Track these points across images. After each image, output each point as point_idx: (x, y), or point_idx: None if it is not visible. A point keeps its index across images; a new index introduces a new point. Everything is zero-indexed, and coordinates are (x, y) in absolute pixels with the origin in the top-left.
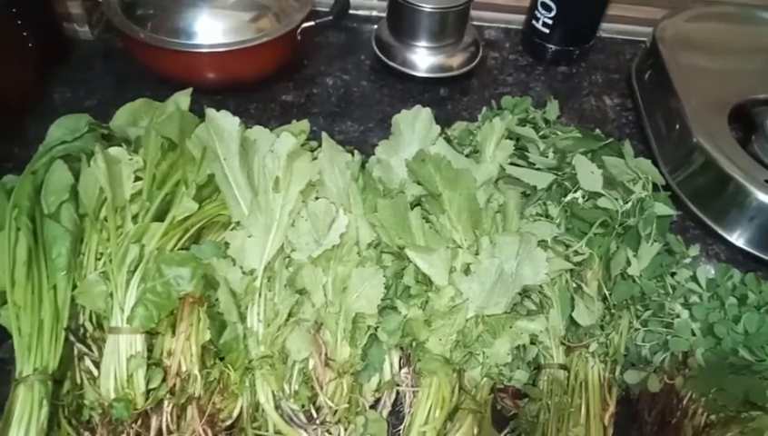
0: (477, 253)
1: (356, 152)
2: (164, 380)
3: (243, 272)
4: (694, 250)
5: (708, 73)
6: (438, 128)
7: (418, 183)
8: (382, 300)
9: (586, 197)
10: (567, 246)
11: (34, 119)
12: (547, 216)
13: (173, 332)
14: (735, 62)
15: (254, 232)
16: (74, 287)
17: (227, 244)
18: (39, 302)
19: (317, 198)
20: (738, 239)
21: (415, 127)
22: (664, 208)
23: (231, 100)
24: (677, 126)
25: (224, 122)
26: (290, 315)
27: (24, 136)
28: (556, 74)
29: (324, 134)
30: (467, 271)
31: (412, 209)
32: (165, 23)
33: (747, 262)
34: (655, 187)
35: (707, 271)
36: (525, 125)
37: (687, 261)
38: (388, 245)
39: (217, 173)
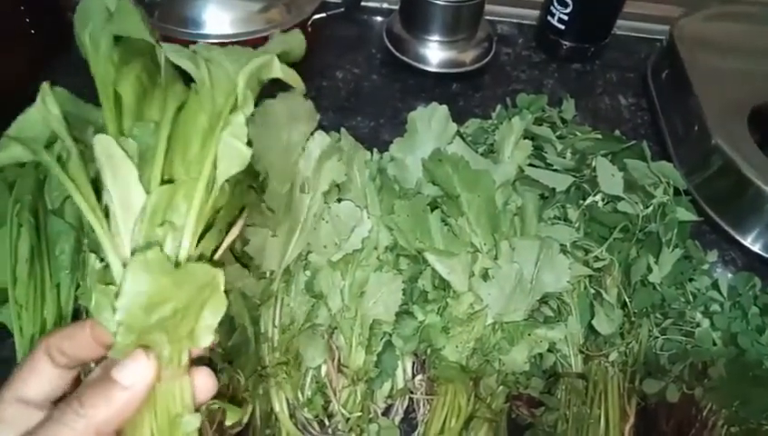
0: (496, 258)
1: (374, 151)
2: None
3: (256, 275)
4: (713, 255)
5: (727, 73)
6: (454, 126)
7: (434, 184)
8: (398, 305)
9: (606, 201)
10: (587, 251)
11: None
12: (566, 220)
13: None
14: (755, 62)
15: (278, 231)
16: (78, 286)
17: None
18: (42, 302)
19: (339, 199)
20: (756, 245)
21: (431, 125)
22: (685, 213)
23: None
24: (695, 127)
25: None
26: (305, 320)
27: None
28: (569, 72)
29: (343, 130)
30: (485, 276)
31: (432, 211)
32: (172, 12)
33: (765, 269)
34: (675, 191)
35: (726, 277)
36: (541, 124)
37: (705, 267)
38: (405, 248)
39: None
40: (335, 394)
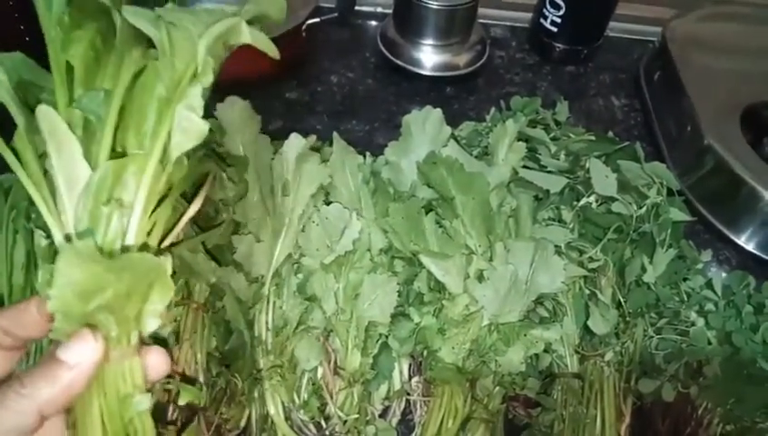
0: (491, 259)
1: (367, 154)
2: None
3: (249, 280)
4: (706, 255)
5: (719, 74)
6: (449, 129)
7: (429, 186)
8: (393, 307)
9: (600, 202)
10: (581, 252)
11: None
12: (560, 221)
13: (177, 339)
14: (747, 63)
15: (263, 236)
16: None
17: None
18: None
19: (328, 202)
20: (749, 244)
21: (425, 128)
22: (679, 213)
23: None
24: (688, 128)
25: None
26: (298, 323)
27: None
28: (563, 74)
29: (335, 135)
30: (480, 277)
31: (426, 214)
32: None
33: (758, 268)
34: (669, 191)
35: (720, 277)
36: (535, 127)
37: (699, 266)
38: (400, 251)
39: None
40: (331, 397)
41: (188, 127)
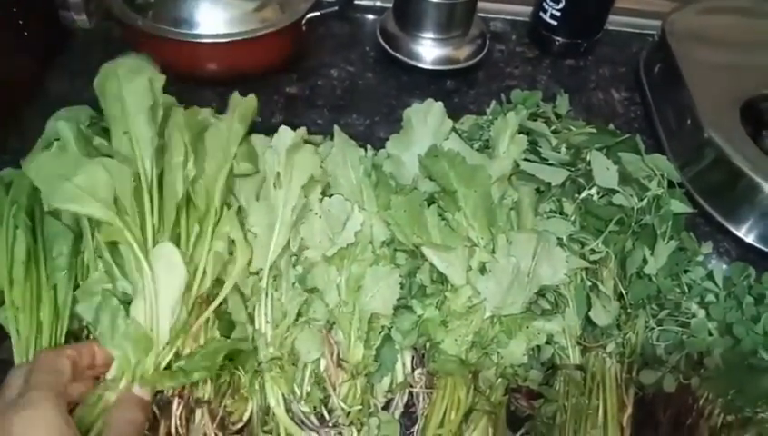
0: (493, 252)
1: (368, 147)
2: None
3: (249, 273)
4: (707, 247)
5: (719, 67)
6: (450, 122)
7: (431, 179)
8: (396, 299)
9: (601, 194)
10: (583, 244)
11: (30, 110)
12: (561, 213)
13: None
14: (747, 56)
15: (258, 230)
16: (76, 287)
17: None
18: (38, 303)
19: (330, 195)
20: (749, 235)
21: (427, 121)
22: (679, 205)
23: (233, 92)
24: (688, 121)
25: None
26: (299, 315)
27: (21, 128)
28: (563, 68)
29: (336, 128)
30: (482, 269)
31: (428, 206)
32: (166, 11)
33: (758, 259)
34: (669, 183)
35: (720, 268)
36: (536, 120)
37: (700, 258)
38: (402, 243)
39: None
40: (334, 389)
41: (219, 253)
